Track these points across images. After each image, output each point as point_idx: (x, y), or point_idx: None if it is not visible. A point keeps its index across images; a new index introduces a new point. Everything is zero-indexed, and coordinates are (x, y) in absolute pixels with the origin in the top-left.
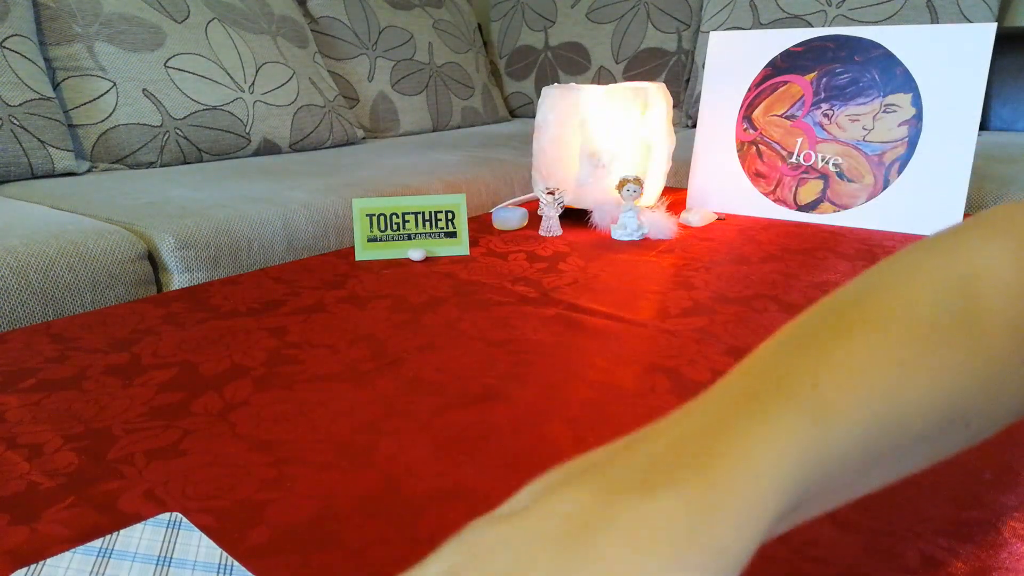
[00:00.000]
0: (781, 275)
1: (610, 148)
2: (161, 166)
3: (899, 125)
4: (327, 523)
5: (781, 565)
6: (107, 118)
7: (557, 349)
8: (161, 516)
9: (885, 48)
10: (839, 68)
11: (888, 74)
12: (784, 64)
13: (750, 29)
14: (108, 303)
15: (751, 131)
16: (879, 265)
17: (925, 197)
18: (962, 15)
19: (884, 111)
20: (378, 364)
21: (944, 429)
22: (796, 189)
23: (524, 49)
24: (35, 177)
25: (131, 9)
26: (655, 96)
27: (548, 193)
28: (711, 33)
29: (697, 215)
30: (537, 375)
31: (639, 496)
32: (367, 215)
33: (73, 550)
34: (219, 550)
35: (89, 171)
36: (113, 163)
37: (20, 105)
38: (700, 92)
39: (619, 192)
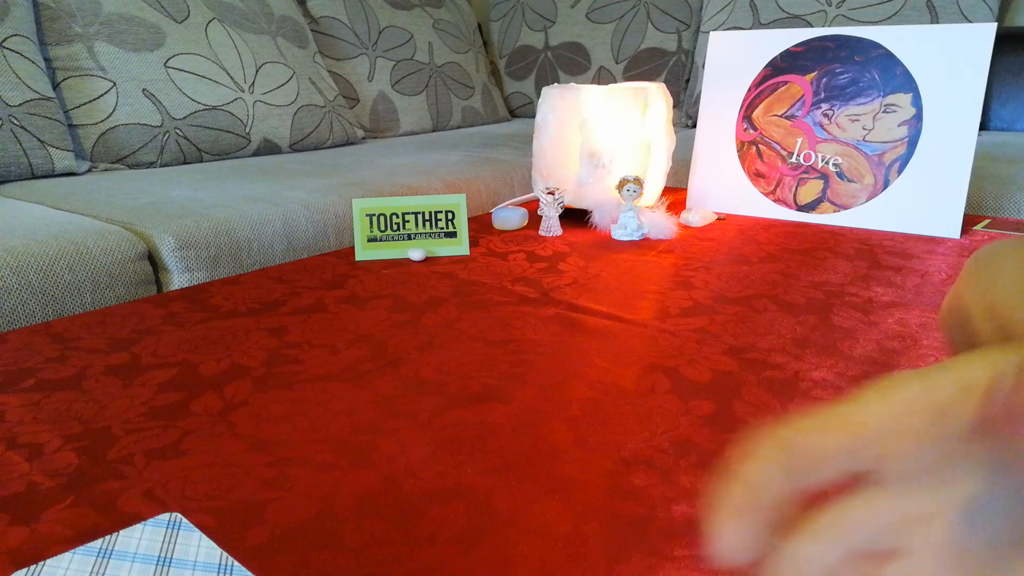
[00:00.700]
0: (781, 275)
1: (610, 148)
2: (161, 166)
3: (899, 125)
4: (327, 523)
5: None
6: (107, 118)
7: (557, 349)
8: (161, 516)
9: (885, 48)
10: (839, 68)
11: (888, 74)
12: (784, 64)
13: (750, 29)
14: (108, 303)
15: (751, 131)
16: None
17: (925, 197)
18: (962, 15)
19: (884, 111)
20: (378, 364)
21: None
22: (796, 189)
23: (524, 49)
24: (35, 177)
25: (131, 9)
26: (655, 96)
27: (548, 193)
28: (711, 33)
29: (697, 215)
30: (537, 375)
31: None
32: (367, 215)
33: (73, 550)
34: (219, 550)
35: (89, 171)
36: (113, 163)
37: (20, 105)
38: (700, 92)
39: (619, 192)
